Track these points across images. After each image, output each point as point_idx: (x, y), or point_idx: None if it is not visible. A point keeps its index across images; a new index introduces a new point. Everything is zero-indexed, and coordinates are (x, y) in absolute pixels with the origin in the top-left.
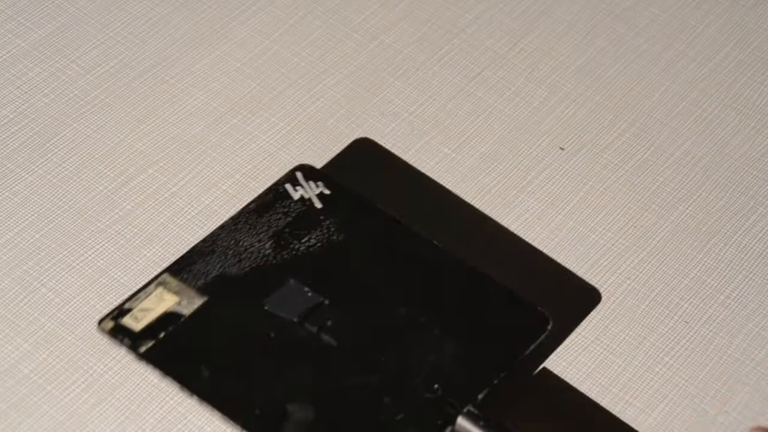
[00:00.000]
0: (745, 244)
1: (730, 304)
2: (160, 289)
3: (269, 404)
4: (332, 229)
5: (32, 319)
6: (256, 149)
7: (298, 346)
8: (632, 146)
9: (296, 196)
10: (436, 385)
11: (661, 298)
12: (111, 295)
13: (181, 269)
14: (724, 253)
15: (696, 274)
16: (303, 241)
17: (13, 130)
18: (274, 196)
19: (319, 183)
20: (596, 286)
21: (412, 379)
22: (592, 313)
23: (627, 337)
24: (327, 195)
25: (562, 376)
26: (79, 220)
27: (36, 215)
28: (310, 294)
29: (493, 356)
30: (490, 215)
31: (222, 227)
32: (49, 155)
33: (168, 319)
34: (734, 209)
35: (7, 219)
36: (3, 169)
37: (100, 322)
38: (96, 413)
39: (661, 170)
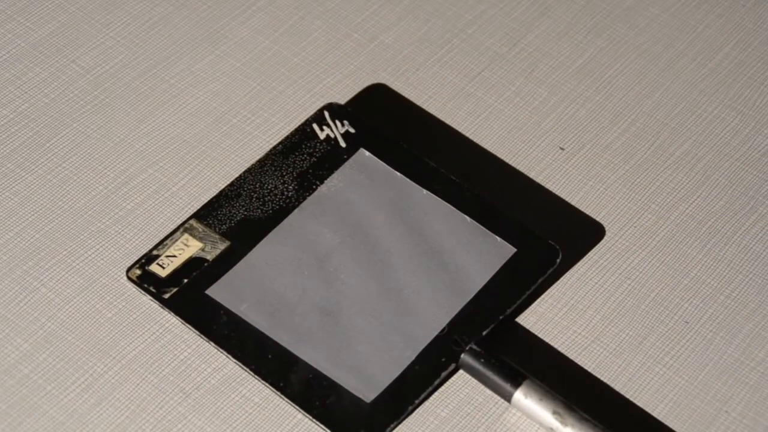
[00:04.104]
0: (745, 244)
1: (730, 304)
2: (186, 235)
3: (280, 348)
4: (355, 169)
5: (32, 319)
6: (256, 149)
7: (311, 290)
8: (632, 146)
9: (322, 135)
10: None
11: (661, 298)
12: (111, 295)
13: (207, 214)
14: (724, 253)
15: (696, 274)
16: (325, 181)
17: (13, 130)
18: (300, 137)
19: (345, 122)
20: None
21: (421, 318)
22: (591, 315)
23: (627, 337)
24: (352, 134)
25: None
26: (79, 220)
27: (36, 215)
28: (328, 235)
29: (501, 291)
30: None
31: (249, 170)
32: (49, 155)
33: (192, 264)
34: (734, 209)
35: (7, 219)
36: (3, 169)
37: (128, 270)
38: (96, 413)
39: (661, 170)
